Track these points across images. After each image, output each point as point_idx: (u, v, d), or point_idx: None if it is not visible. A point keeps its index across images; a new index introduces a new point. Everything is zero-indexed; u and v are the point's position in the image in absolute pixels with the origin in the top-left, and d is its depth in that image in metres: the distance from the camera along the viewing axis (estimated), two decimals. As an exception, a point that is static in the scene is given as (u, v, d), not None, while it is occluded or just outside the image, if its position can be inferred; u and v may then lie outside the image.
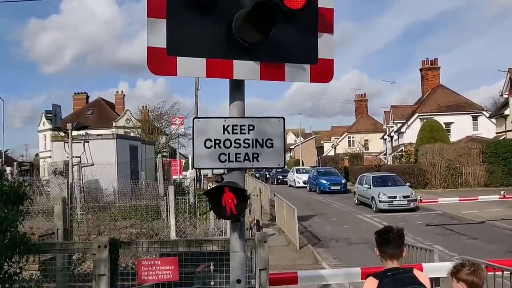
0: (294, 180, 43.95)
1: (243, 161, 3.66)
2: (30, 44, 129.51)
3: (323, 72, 3.79)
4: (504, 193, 18.48)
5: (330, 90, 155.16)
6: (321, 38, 3.75)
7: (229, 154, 3.65)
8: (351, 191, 35.32)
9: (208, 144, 3.64)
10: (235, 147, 3.66)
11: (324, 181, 34.81)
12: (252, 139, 3.68)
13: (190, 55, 3.44)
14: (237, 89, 3.71)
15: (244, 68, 3.56)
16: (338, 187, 34.32)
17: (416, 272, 3.61)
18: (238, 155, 3.66)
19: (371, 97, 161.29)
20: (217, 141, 3.65)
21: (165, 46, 3.38)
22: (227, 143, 3.65)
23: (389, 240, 3.67)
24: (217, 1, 3.40)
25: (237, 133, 3.66)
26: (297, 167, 51.25)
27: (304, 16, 3.65)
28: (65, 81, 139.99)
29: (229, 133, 3.66)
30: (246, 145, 3.67)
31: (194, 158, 3.68)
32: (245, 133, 3.68)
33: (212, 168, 3.88)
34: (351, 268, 6.17)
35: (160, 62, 3.39)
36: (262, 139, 3.70)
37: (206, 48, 3.46)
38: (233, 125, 3.67)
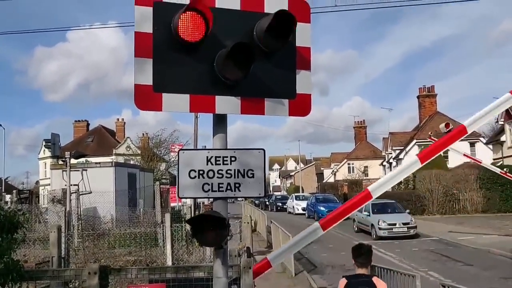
0: (293, 207, 43.85)
1: (226, 191, 3.87)
2: (35, 72, 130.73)
3: (301, 106, 4.03)
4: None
5: (333, 116, 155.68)
6: (299, 74, 4.00)
7: (212, 184, 3.86)
8: (350, 218, 35.31)
9: (193, 174, 3.85)
10: (218, 177, 3.87)
11: (322, 208, 34.53)
12: (234, 170, 3.89)
13: (174, 91, 3.68)
14: (220, 122, 3.94)
15: (226, 103, 3.80)
16: None
17: (375, 279, 5.00)
18: (220, 185, 3.87)
19: (373, 124, 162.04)
20: (201, 172, 3.86)
21: (151, 84, 3.62)
22: (211, 174, 3.86)
23: (361, 253, 5.08)
24: (200, 42, 3.64)
25: (220, 164, 3.88)
26: (296, 194, 51.01)
27: (283, 54, 3.91)
28: (69, 108, 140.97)
29: (212, 164, 3.87)
30: (229, 176, 3.88)
31: (179, 188, 3.88)
32: (227, 164, 3.89)
33: (196, 198, 4.08)
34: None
35: (146, 99, 3.62)
36: (244, 170, 3.91)
37: (190, 85, 3.70)
38: (216, 157, 3.88)
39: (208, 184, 3.84)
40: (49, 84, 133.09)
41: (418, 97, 52.89)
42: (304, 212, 39.54)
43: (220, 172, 3.87)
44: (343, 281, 4.99)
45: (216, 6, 3.76)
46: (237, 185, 3.88)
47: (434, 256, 16.75)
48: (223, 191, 3.86)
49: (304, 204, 41.27)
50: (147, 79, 3.61)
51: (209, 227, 3.58)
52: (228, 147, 3.96)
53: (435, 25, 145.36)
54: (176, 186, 4.00)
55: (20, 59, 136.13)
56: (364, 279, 4.91)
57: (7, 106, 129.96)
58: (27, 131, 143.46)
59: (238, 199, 56.26)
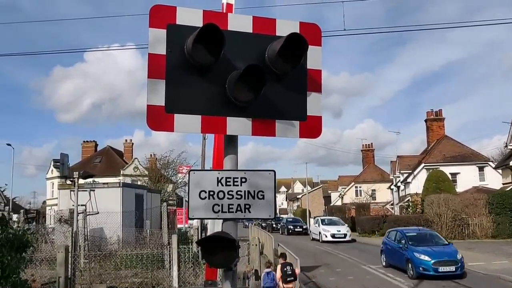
0: (319, 233, 36.62)
1: (236, 212, 3.86)
2: (50, 92, 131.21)
3: (311, 128, 4.04)
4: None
5: (345, 139, 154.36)
6: (309, 97, 4.03)
7: (222, 205, 3.85)
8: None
9: (203, 195, 3.85)
10: (228, 198, 3.87)
11: (427, 258, 17.03)
12: (245, 191, 3.89)
13: (186, 112, 3.71)
14: (231, 143, 3.96)
15: (237, 125, 3.82)
16: (453, 268, 16.79)
17: (293, 264, 11.70)
18: (231, 206, 3.86)
19: (385, 146, 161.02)
20: (211, 193, 3.86)
21: (164, 104, 3.66)
22: (221, 195, 3.86)
23: (283, 255, 12.25)
24: (213, 64, 3.69)
25: (230, 185, 3.88)
26: (321, 218, 42.28)
27: (294, 77, 3.94)
28: (81, 128, 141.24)
29: (222, 185, 3.87)
30: (239, 197, 3.88)
31: (189, 209, 3.88)
32: (238, 185, 3.89)
33: (206, 219, 4.08)
34: None
35: (158, 119, 3.65)
36: (254, 191, 3.90)
37: (202, 106, 3.74)
38: (226, 178, 3.89)
39: (218, 205, 3.84)
40: (62, 105, 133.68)
41: (426, 120, 52.80)
42: (334, 239, 34.37)
43: (230, 193, 3.86)
44: (279, 265, 11.25)
45: (229, 29, 3.82)
46: (247, 206, 3.88)
47: (444, 282, 16.48)
48: (233, 212, 3.85)
49: (333, 229, 35.82)
50: (160, 100, 3.65)
51: (219, 249, 3.56)
52: (238, 168, 3.98)
53: (444, 49, 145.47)
54: (186, 207, 4.00)
55: (37, 79, 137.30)
56: (288, 262, 11.34)
57: (20, 126, 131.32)
58: (37, 151, 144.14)
59: (245, 222, 55.23)
